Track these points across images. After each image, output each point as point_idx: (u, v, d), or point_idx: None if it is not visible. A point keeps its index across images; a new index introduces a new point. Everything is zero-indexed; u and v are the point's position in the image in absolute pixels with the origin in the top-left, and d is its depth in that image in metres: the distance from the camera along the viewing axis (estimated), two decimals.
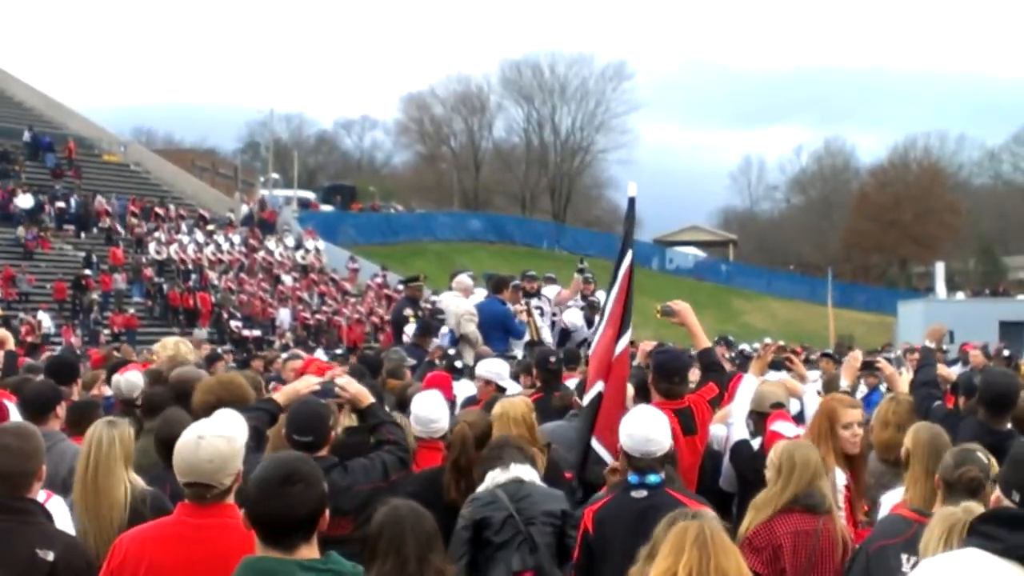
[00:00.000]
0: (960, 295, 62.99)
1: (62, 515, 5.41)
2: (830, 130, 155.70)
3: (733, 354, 20.05)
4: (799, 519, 5.90)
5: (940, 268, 63.07)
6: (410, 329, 14.57)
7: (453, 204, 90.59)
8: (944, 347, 14.82)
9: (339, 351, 27.12)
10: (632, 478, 5.73)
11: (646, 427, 5.84)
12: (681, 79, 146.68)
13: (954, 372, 11.50)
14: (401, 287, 29.29)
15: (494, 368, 9.67)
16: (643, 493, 5.60)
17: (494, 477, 6.41)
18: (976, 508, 4.74)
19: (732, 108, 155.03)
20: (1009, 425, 7.32)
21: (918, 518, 5.31)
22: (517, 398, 7.63)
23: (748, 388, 7.74)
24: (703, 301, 62.54)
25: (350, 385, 6.62)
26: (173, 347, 10.90)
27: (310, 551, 3.96)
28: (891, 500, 6.23)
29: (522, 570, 6.25)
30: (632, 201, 8.01)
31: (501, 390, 9.30)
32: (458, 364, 10.94)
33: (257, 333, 43.96)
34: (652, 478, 5.70)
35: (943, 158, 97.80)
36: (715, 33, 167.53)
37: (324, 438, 6.06)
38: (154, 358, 10.90)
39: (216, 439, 4.68)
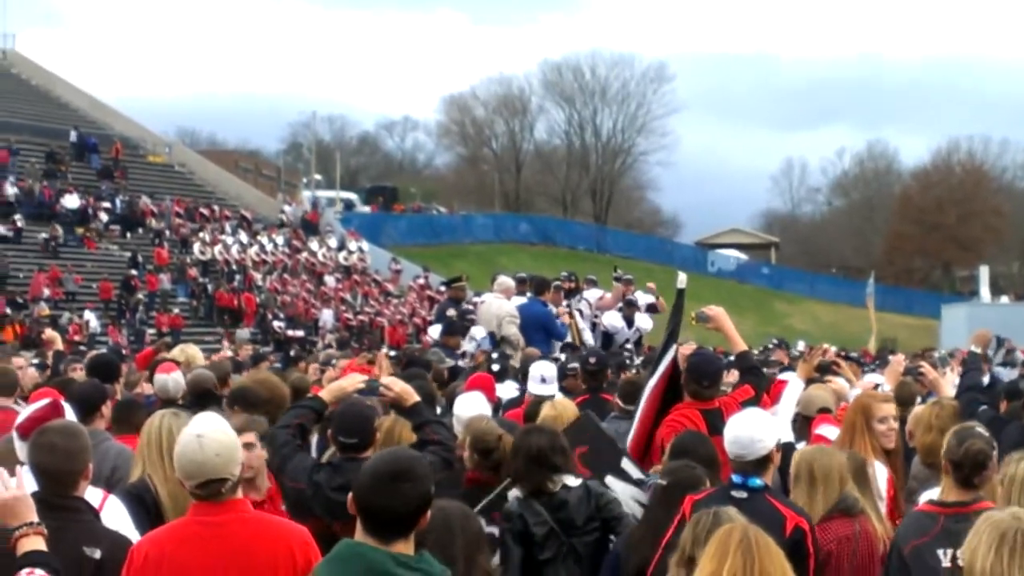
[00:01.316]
0: (1004, 298, 62.52)
1: (119, 516, 5.40)
2: (872, 132, 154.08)
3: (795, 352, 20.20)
4: (838, 524, 5.90)
5: (984, 271, 62.59)
6: (434, 331, 14.54)
7: (494, 206, 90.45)
8: (992, 352, 14.70)
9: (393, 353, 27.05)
10: (736, 478, 5.72)
11: (736, 429, 5.83)
12: (722, 81, 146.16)
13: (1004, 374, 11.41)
14: (444, 288, 29.34)
15: (535, 371, 9.57)
16: (743, 494, 5.57)
17: (532, 486, 6.33)
18: (1022, 513, 4.69)
19: (774, 110, 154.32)
20: None
21: (941, 510, 5.38)
22: (567, 401, 7.59)
23: (794, 391, 7.68)
24: (745, 304, 62.40)
25: (395, 383, 6.54)
26: (180, 353, 11.28)
27: (406, 546, 4.08)
28: (928, 498, 6.20)
29: None
30: (681, 293, 7.92)
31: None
32: (495, 367, 10.87)
33: (300, 334, 44.11)
34: (754, 481, 5.66)
35: (986, 161, 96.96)
36: (757, 35, 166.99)
37: (369, 439, 6.06)
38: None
39: (215, 433, 4.69)
